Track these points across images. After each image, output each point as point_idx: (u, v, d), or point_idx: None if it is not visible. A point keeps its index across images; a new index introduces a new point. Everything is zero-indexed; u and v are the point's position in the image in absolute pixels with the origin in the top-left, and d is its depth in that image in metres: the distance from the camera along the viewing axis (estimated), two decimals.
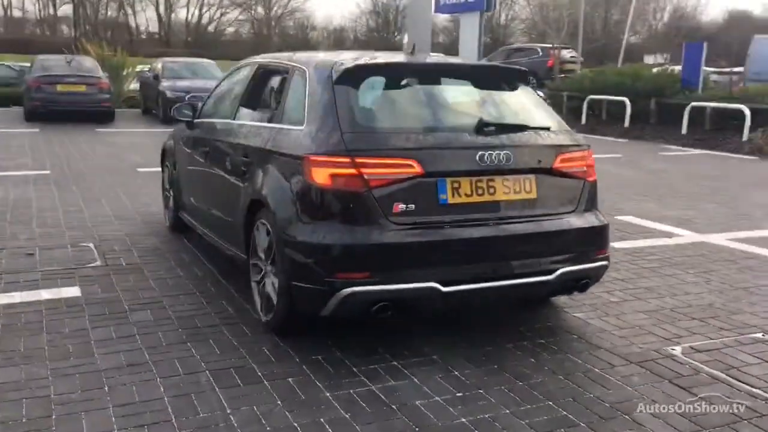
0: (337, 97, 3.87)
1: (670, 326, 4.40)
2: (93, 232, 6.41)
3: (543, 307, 4.66)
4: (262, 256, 4.18)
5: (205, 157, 5.28)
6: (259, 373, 3.62)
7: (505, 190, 3.84)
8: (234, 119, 4.98)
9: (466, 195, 3.76)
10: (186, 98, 17.08)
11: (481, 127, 3.86)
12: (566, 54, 23.68)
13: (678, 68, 17.61)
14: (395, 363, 3.77)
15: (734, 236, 6.92)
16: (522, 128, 3.98)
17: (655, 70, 18.27)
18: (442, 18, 64.79)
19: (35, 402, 3.27)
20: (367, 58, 4.25)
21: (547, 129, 4.09)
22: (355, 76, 3.96)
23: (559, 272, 3.88)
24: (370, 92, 3.98)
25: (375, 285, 3.57)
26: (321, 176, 3.66)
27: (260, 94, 4.87)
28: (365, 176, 3.59)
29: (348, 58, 4.17)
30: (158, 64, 19.30)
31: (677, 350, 4.01)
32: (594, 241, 4.08)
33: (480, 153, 3.75)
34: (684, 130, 15.55)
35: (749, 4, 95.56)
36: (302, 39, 64.17)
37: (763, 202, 8.86)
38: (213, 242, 5.24)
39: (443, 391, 3.46)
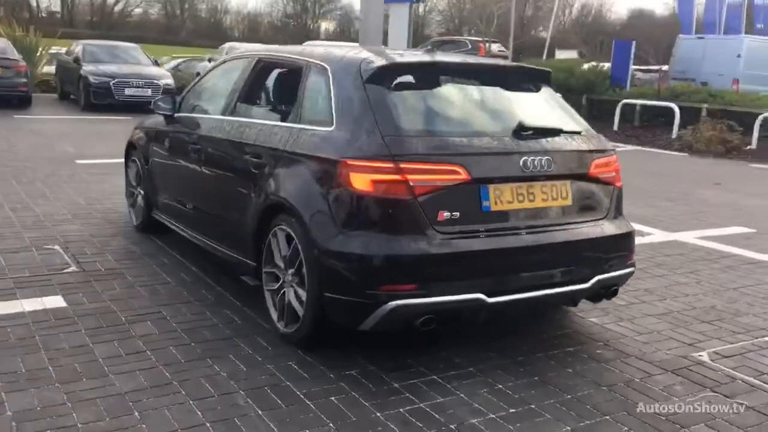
0: (371, 97, 3.66)
1: (685, 330, 4.42)
2: (53, 233, 5.94)
3: (554, 313, 4.59)
4: (281, 264, 3.93)
5: (192, 155, 4.93)
6: (298, 392, 3.38)
7: (543, 196, 3.73)
8: (231, 116, 4.66)
9: (508, 202, 3.63)
10: (111, 84, 16.36)
11: (520, 131, 3.74)
12: (495, 48, 23.96)
13: (607, 65, 18.07)
14: (434, 377, 3.61)
15: (702, 234, 7.09)
16: (557, 132, 3.88)
17: (585, 66, 18.69)
18: (358, 6, 64.62)
19: None
20: (384, 55, 4.03)
21: (579, 133, 4.00)
22: (386, 75, 3.75)
23: (594, 279, 3.81)
24: (405, 93, 3.78)
25: (422, 297, 3.39)
26: (360, 182, 3.45)
27: (265, 90, 4.59)
28: (410, 183, 3.41)
29: (369, 56, 3.95)
30: (77, 47, 18.27)
31: (704, 356, 4.02)
32: (625, 247, 4.03)
33: (524, 158, 3.63)
34: (615, 127, 15.99)
35: (651, 3, 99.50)
36: (215, 23, 62.66)
37: (713, 201, 9.15)
38: (203, 246, 4.92)
39: (496, 408, 3.32)
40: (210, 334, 4.02)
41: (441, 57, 4.34)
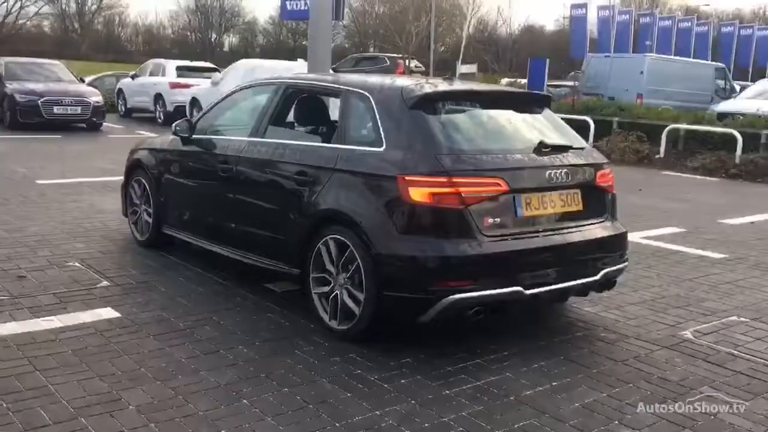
0: (416, 121, 4.25)
1: (664, 315, 5.20)
2: (63, 251, 6.18)
3: (554, 305, 5.28)
4: (332, 269, 4.44)
5: (221, 174, 5.34)
6: (371, 378, 3.91)
7: (561, 203, 4.42)
8: (263, 137, 5.12)
9: (535, 208, 4.29)
10: (39, 102, 16.14)
11: (541, 148, 4.41)
12: (412, 64, 24.88)
13: (524, 81, 19.26)
14: (477, 361, 4.20)
15: (645, 235, 7.99)
16: (568, 148, 4.57)
17: (504, 81, 19.83)
18: (262, 21, 64.73)
19: (192, 421, 3.36)
20: (419, 85, 4.62)
21: (582, 149, 4.72)
22: (427, 102, 4.35)
23: (603, 272, 4.52)
24: (443, 117, 4.39)
25: (474, 291, 4.00)
26: (418, 195, 4.02)
27: (301, 114, 5.07)
28: (462, 194, 4.01)
29: (407, 85, 4.53)
30: None
31: (688, 335, 4.80)
32: (622, 245, 4.77)
33: (549, 171, 4.30)
34: None
35: (543, 18, 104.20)
36: (114, 37, 61.22)
37: (640, 205, 10.15)
38: (231, 256, 5.34)
39: (541, 382, 3.96)
40: (268, 335, 4.48)
41: (465, 86, 4.99)
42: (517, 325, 4.81)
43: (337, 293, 4.42)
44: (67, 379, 3.74)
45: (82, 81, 18.68)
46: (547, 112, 4.94)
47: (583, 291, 4.61)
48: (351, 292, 4.33)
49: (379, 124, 4.37)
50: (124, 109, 21.04)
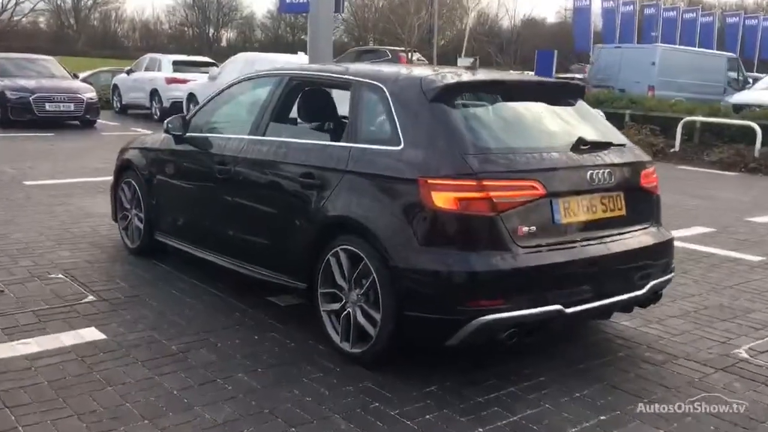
0: (438, 116, 3.72)
1: (711, 329, 4.68)
2: (47, 261, 5.65)
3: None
4: (343, 284, 3.92)
5: (218, 175, 4.81)
6: (392, 413, 3.39)
7: (603, 208, 3.89)
8: (264, 135, 4.59)
9: (575, 214, 3.76)
10: (30, 99, 15.61)
11: (579, 145, 3.88)
12: (415, 57, 24.33)
13: (531, 74, 18.70)
14: (511, 389, 3.68)
15: (675, 236, 7.45)
16: (608, 145, 4.04)
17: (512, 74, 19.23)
18: (260, 15, 64.14)
19: None
20: (440, 74, 4.09)
21: (624, 146, 4.18)
22: (450, 94, 3.82)
23: (649, 285, 4.00)
24: (469, 111, 3.87)
25: (508, 311, 3.47)
26: (443, 200, 3.50)
27: (306, 109, 4.53)
28: (493, 199, 3.48)
29: (426, 75, 4.00)
30: None
31: (743, 353, 4.28)
32: (669, 253, 4.24)
33: (590, 172, 3.77)
34: None
35: (544, 11, 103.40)
36: (110, 32, 60.64)
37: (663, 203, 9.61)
38: (230, 267, 4.81)
39: (587, 416, 3.44)
40: (271, 359, 3.95)
41: (492, 75, 4.44)
42: (550, 342, 4.28)
43: (349, 311, 3.89)
44: (41, 419, 3.23)
45: (76, 77, 18.08)
46: (580, 103, 4.40)
47: (627, 306, 4.08)
48: (365, 311, 3.81)
49: (396, 120, 3.83)
50: (119, 106, 20.44)
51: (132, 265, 5.66)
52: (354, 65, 4.68)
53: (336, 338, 3.99)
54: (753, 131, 13.68)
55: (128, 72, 20.24)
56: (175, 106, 17.20)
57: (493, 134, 3.81)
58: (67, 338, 4.13)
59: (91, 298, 4.85)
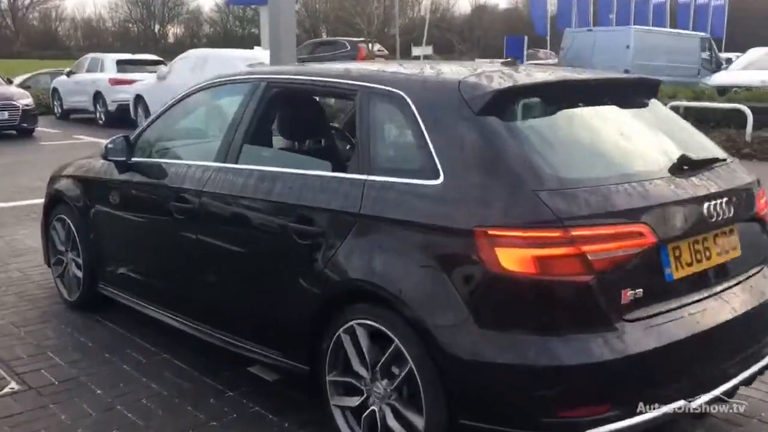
0: (492, 135, 2.60)
1: None
2: None
3: None
4: (362, 372, 2.80)
5: (177, 215, 3.63)
6: None
7: (718, 250, 2.82)
8: (236, 163, 3.41)
9: (687, 264, 2.69)
10: None
11: (681, 167, 2.80)
12: (375, 48, 23.16)
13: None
14: None
15: None
16: (713, 162, 2.97)
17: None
18: (207, 9, 62.13)
19: None
20: (484, 75, 2.94)
21: (726, 161, 3.11)
22: (503, 102, 2.70)
23: None
24: (534, 126, 2.75)
25: (617, 421, 2.38)
26: (515, 260, 2.39)
27: (294, 126, 3.38)
28: (588, 255, 2.38)
29: (465, 77, 2.85)
30: None
31: None
32: None
33: (706, 205, 2.70)
34: None
35: None
36: (51, 32, 58.16)
37: None
38: (195, 334, 3.65)
39: None
40: None
41: (553, 74, 3.28)
42: None
43: (374, 410, 2.77)
44: None
45: (10, 82, 16.57)
46: (654, 103, 3.31)
47: (750, 380, 3.02)
48: (399, 412, 2.69)
49: (429, 141, 2.70)
50: (60, 111, 18.86)
51: (71, 327, 4.44)
52: (358, 66, 3.47)
53: None
54: (741, 115, 12.89)
55: (68, 74, 18.67)
56: (122, 110, 15.83)
57: (572, 159, 2.70)
58: None
59: (12, 386, 3.63)
